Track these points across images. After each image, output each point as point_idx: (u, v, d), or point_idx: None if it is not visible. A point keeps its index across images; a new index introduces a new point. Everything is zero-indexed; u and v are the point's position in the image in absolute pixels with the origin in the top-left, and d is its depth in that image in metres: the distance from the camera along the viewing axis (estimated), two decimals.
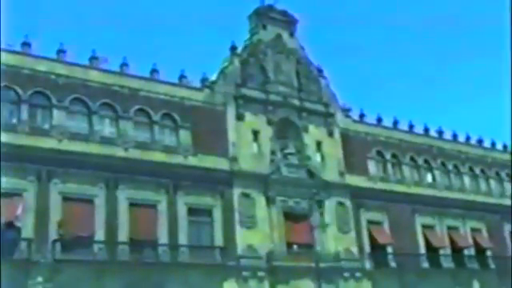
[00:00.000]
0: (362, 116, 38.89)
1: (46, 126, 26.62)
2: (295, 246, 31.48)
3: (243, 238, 30.02)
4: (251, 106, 33.12)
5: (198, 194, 29.45)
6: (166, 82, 31.09)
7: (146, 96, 29.97)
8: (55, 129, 26.69)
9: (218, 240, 29.28)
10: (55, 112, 26.95)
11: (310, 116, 35.30)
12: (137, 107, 29.44)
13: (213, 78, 32.87)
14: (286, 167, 33.13)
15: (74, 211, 25.56)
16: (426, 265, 36.58)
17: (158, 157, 29.05)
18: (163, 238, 27.67)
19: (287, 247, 31.28)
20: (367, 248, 34.60)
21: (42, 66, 27.42)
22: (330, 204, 33.96)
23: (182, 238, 28.25)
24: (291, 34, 37.04)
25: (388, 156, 38.57)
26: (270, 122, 33.47)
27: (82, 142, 27.22)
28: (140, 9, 70.63)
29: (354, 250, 33.85)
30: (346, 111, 37.88)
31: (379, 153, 38.29)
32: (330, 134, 35.86)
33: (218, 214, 29.78)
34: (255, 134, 32.80)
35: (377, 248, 35.04)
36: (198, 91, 32.04)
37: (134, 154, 28.41)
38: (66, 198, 25.74)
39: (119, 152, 28.03)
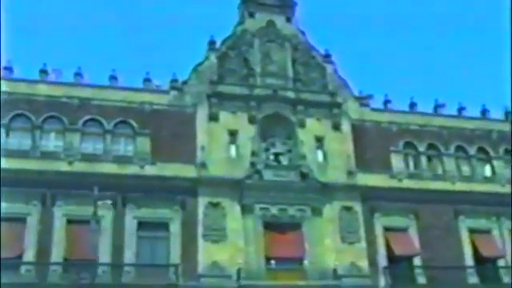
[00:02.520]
0: (386, 103, 32.73)
1: None
2: (274, 262, 26.78)
3: (207, 254, 26.28)
4: (228, 103, 29.47)
5: (152, 207, 26.55)
6: (124, 87, 29.00)
7: (98, 105, 28.13)
8: None
9: (175, 257, 25.96)
10: None
11: (308, 109, 30.43)
12: (87, 117, 27.72)
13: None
14: (272, 170, 28.70)
15: (8, 232, 24.38)
16: (474, 280, 29.02)
17: (108, 168, 26.87)
18: (105, 257, 25.22)
19: (267, 263, 26.78)
20: (383, 261, 28.39)
21: None
22: (331, 210, 28.63)
23: (129, 257, 25.50)
24: (288, 19, 32.68)
25: (422, 147, 31.75)
26: (252, 120, 29.42)
27: (22, 158, 26.12)
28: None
29: (363, 263, 27.92)
30: (362, 99, 32.18)
31: (409, 145, 31.70)
32: (336, 128, 30.52)
33: (176, 228, 26.53)
34: (233, 134, 29.06)
35: (397, 261, 28.68)
36: (163, 94, 29.38)
37: (79, 167, 26.60)
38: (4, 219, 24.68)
39: (63, 166, 26.45)
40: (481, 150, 32.62)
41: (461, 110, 33.71)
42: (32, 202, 25.32)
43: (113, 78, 29.13)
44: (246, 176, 27.93)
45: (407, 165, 31.31)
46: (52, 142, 27.10)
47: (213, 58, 30.47)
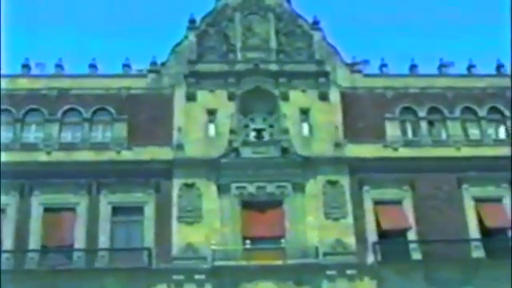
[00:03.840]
0: (382, 67, 30.49)
1: None
2: (250, 242, 25.91)
3: (182, 236, 26.05)
4: (206, 82, 28.84)
5: (127, 191, 26.73)
6: (103, 75, 29.32)
7: (77, 94, 28.65)
8: None
9: (149, 241, 26.02)
10: None
11: (291, 80, 29.08)
12: (66, 107, 28.35)
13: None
14: (250, 147, 27.80)
15: None
16: (479, 253, 26.46)
17: (85, 156, 27.38)
18: (80, 242, 25.81)
19: (244, 243, 26.04)
20: (372, 237, 26.64)
21: None
22: (314, 185, 27.29)
23: (103, 242, 25.89)
24: None
25: (423, 112, 29.30)
26: (231, 97, 28.63)
27: (3, 151, 27.17)
28: None
29: (350, 240, 26.37)
30: (353, 65, 30.21)
31: (407, 110, 29.38)
32: (324, 98, 28.94)
33: (150, 211, 26.54)
34: (211, 113, 28.43)
35: (390, 236, 26.80)
36: (142, 78, 29.35)
37: (57, 156, 27.30)
38: None
39: (41, 157, 27.29)
40: (493, 109, 29.53)
41: (470, 67, 30.70)
42: (11, 192, 26.40)
43: (92, 66, 29.56)
44: (221, 155, 27.32)
45: (404, 132, 29.08)
46: (32, 134, 28.05)
47: (192, 37, 29.96)
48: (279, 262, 25.51)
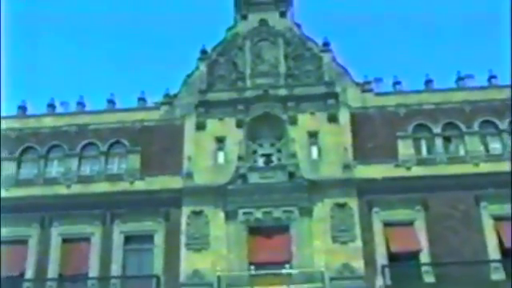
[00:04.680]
0: (395, 84, 29.83)
1: None
2: (254, 268, 25.79)
3: (189, 263, 26.51)
4: (216, 110, 29.49)
5: (138, 220, 27.72)
6: (119, 109, 30.86)
7: (95, 129, 30.29)
8: (5, 179, 29.55)
9: (158, 268, 26.74)
10: (5, 164, 29.88)
11: (300, 104, 29.14)
12: (85, 142, 30.01)
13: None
14: (257, 172, 27.99)
15: (8, 253, 27.58)
16: (498, 276, 24.90)
17: (101, 187, 28.74)
18: (94, 271, 26.99)
19: (250, 269, 26.06)
20: (382, 260, 25.82)
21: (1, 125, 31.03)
22: (322, 208, 26.99)
23: (116, 270, 26.91)
24: (282, 14, 31.71)
25: (437, 128, 28.27)
26: (239, 124, 29.07)
27: (28, 186, 29.22)
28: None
29: (358, 264, 25.72)
30: (365, 85, 29.81)
31: (421, 127, 28.50)
32: (332, 120, 28.71)
33: (159, 239, 27.28)
34: (220, 141, 29.01)
35: (401, 259, 25.86)
36: (155, 110, 30.54)
37: (76, 189, 28.86)
38: (3, 242, 28.01)
39: (61, 190, 28.97)
40: None
41: (491, 78, 29.33)
42: (33, 224, 28.23)
43: (110, 101, 31.20)
44: (228, 181, 27.74)
45: (418, 150, 28.16)
46: (54, 169, 29.82)
47: (202, 67, 30.85)
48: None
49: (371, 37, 61.20)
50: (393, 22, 61.79)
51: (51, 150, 30.14)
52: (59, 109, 31.53)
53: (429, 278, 25.20)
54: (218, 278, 25.92)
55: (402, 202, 26.70)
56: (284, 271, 25.72)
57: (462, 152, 27.94)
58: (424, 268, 25.47)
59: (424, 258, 25.74)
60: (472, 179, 26.61)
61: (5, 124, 30.91)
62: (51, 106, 31.47)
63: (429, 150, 28.19)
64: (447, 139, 28.32)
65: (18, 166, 29.95)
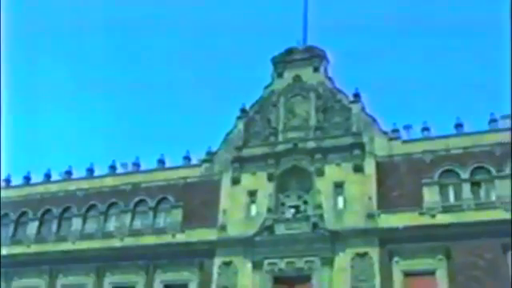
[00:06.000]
0: (424, 130, 29.71)
1: (64, 233, 34.08)
2: None
3: None
4: (249, 165, 31.40)
5: (176, 271, 30.09)
6: (166, 168, 33.98)
7: (146, 187, 33.65)
8: (72, 233, 33.78)
9: None
10: (74, 220, 34.23)
11: (327, 155, 30.12)
12: (137, 199, 33.38)
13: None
14: (284, 224, 29.21)
15: None
16: None
17: (148, 240, 31.68)
18: None
19: None
20: None
21: (72, 186, 35.71)
22: (343, 258, 27.44)
23: None
24: (315, 69, 33.19)
25: (466, 174, 27.58)
26: (270, 178, 30.65)
27: (90, 240, 33.11)
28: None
29: None
30: (392, 133, 30.09)
31: (449, 173, 27.97)
32: (358, 170, 29.25)
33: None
34: (252, 194, 30.76)
35: None
36: (197, 167, 33.21)
37: (128, 241, 32.15)
38: None
39: (116, 242, 32.39)
40: None
41: None
42: (90, 274, 31.85)
43: (160, 161, 34.56)
44: (256, 233, 29.31)
45: (445, 197, 27.62)
46: (112, 224, 33.58)
47: (240, 125, 33.13)
48: None
49: (404, 82, 61.78)
50: (425, 67, 61.65)
51: (110, 207, 34.02)
52: (119, 169, 35.58)
53: None
54: None
55: (423, 251, 26.32)
56: None
57: (492, 197, 27.00)
58: None
59: None
60: (499, 226, 25.53)
61: (75, 185, 35.69)
62: (113, 167, 35.63)
63: (456, 197, 27.55)
64: (476, 184, 27.53)
65: (84, 222, 34.18)
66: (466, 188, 27.46)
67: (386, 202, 28.23)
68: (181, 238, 31.21)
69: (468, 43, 61.35)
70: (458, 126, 29.35)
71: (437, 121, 30.46)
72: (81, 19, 70.13)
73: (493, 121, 28.90)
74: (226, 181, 31.71)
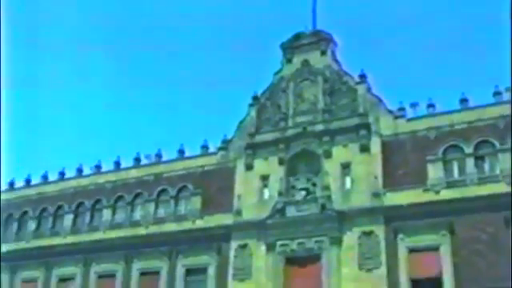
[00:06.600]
0: (430, 107, 30.00)
1: (96, 223, 36.44)
2: None
3: None
4: (262, 151, 32.50)
5: (196, 255, 31.76)
6: (185, 157, 35.54)
7: (168, 177, 35.41)
8: (102, 223, 36.13)
9: None
10: (104, 211, 36.52)
11: (335, 137, 30.90)
12: (160, 189, 35.23)
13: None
14: (294, 206, 30.35)
15: (103, 286, 33.90)
16: None
17: (170, 227, 33.50)
18: None
19: None
20: (405, 287, 26.25)
21: (101, 179, 37.99)
22: (351, 237, 28.37)
23: None
24: (323, 53, 33.78)
25: (469, 148, 27.78)
26: (281, 162, 31.73)
27: (119, 229, 35.26)
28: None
29: None
30: (398, 111, 30.54)
31: (453, 148, 28.24)
32: (364, 150, 29.92)
33: (212, 271, 30.99)
34: (265, 179, 31.96)
35: (423, 286, 26.01)
36: (213, 155, 34.65)
37: (152, 229, 34.03)
38: (99, 276, 34.33)
39: (141, 231, 34.43)
40: None
41: None
42: (119, 261, 34.08)
43: (180, 151, 36.24)
44: (268, 216, 30.59)
45: (449, 172, 27.94)
46: (138, 213, 35.62)
47: (253, 113, 34.25)
48: None
49: (409, 59, 61.55)
50: (427, 40, 60.94)
51: (136, 197, 36.07)
52: (144, 161, 37.56)
53: None
54: None
55: (427, 227, 26.87)
56: None
57: (496, 171, 27.17)
58: None
59: (447, 284, 25.70)
60: (503, 200, 25.79)
61: (104, 178, 37.99)
62: (137, 159, 37.65)
63: (460, 172, 27.84)
64: (480, 158, 27.72)
65: (113, 212, 36.47)
66: (470, 163, 27.69)
67: (392, 180, 28.84)
68: (200, 223, 32.84)
69: (470, 15, 59.99)
70: (463, 100, 29.43)
71: (442, 97, 30.66)
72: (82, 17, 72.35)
73: (497, 93, 28.84)
74: (240, 167, 33.01)
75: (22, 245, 37.48)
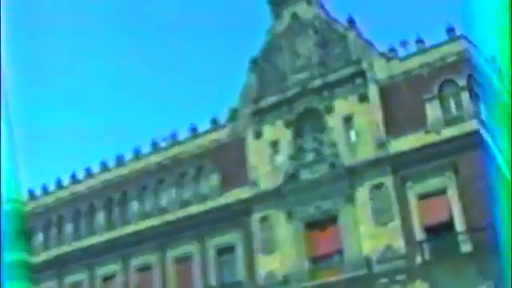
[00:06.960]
0: (419, 42, 28.98)
1: (127, 217, 37.90)
2: (312, 262, 29.58)
3: (264, 265, 32.07)
4: (268, 116, 33.82)
5: (222, 234, 33.67)
6: (197, 135, 36.68)
7: (184, 158, 36.20)
8: (133, 216, 37.62)
9: (240, 275, 32.41)
10: (132, 203, 37.92)
11: (334, 90, 31.88)
12: (179, 172, 36.16)
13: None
14: (306, 169, 30.94)
15: (141, 278, 35.80)
16: None
17: (196, 209, 35.13)
18: (198, 284, 33.64)
19: (310, 262, 29.63)
20: (420, 235, 26.14)
21: (125, 170, 39.05)
22: (362, 192, 29.15)
23: (212, 280, 33.53)
24: (309, 2, 32.88)
25: (463, 81, 26.83)
26: (287, 125, 32.81)
27: (150, 218, 37.00)
28: None
29: (399, 244, 27.88)
30: (390, 52, 29.46)
31: (448, 83, 27.37)
32: (363, 99, 30.47)
33: (240, 248, 33.31)
34: (275, 145, 32.66)
35: (437, 231, 25.80)
36: (224, 128, 35.32)
37: (179, 214, 35.93)
38: (138, 269, 36.47)
39: (169, 217, 36.19)
40: None
41: None
42: (154, 252, 35.63)
43: (193, 129, 36.63)
44: (282, 183, 30.87)
45: (447, 109, 27.32)
46: (164, 200, 36.98)
47: (252, 77, 34.73)
48: (332, 279, 27.98)
49: None
50: None
51: (159, 184, 37.22)
52: (162, 144, 38.27)
53: (465, 248, 25.96)
54: (284, 276, 29.73)
55: (433, 171, 27.94)
56: (338, 260, 28.21)
57: None
58: (460, 237, 25.52)
59: (458, 226, 25.34)
60: None
61: (127, 169, 39.01)
62: (154, 143, 38.37)
63: (457, 107, 27.57)
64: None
65: (141, 203, 37.81)
66: (465, 96, 27.01)
67: (393, 127, 29.66)
68: (221, 201, 34.24)
69: None
70: (450, 30, 28.08)
71: (430, 31, 29.18)
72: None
73: None
74: (249, 136, 34.57)
75: (65, 248, 39.63)
